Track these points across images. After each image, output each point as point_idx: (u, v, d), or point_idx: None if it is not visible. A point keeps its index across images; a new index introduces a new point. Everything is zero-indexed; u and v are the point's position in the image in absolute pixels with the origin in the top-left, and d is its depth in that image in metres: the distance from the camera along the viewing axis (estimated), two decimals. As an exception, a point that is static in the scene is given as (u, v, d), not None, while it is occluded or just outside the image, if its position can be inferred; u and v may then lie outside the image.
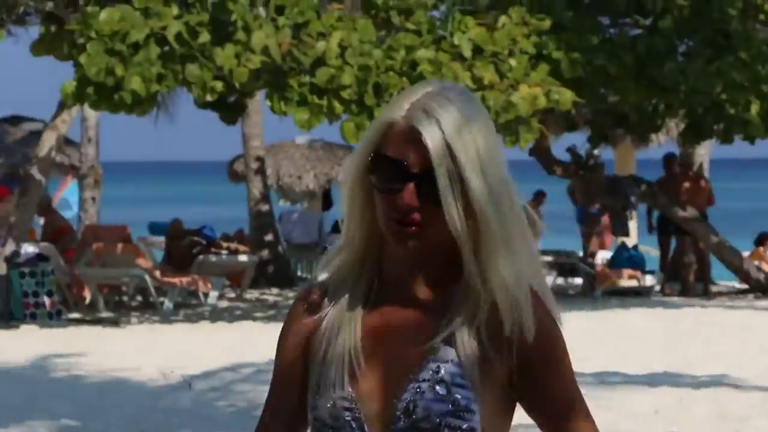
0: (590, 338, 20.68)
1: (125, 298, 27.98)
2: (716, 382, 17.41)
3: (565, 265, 32.30)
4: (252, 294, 29.32)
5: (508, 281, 3.04)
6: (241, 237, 32.83)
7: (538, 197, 34.49)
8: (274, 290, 30.18)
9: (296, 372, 3.29)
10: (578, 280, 32.06)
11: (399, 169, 3.03)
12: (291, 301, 22.94)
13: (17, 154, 37.72)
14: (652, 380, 16.44)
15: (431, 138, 2.99)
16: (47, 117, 29.17)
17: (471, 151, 3.04)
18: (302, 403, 3.29)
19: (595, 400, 15.18)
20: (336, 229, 29.69)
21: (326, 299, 3.26)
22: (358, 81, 23.37)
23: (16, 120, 40.24)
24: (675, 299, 28.96)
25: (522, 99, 24.10)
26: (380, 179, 3.06)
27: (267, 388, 13.53)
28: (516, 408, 3.25)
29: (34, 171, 27.31)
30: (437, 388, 3.00)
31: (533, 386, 3.13)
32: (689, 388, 16.19)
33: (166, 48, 23.34)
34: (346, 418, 3.12)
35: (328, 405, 3.13)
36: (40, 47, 25.27)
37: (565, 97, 24.48)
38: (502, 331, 3.03)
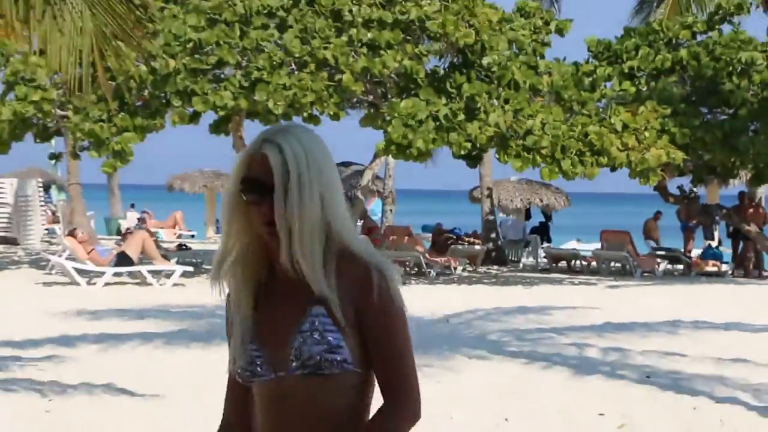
0: (687, 301, 19.83)
1: (408, 269, 27.36)
2: (768, 329, 17.09)
3: (672, 257, 30.74)
4: (482, 269, 28.83)
5: (347, 257, 2.90)
6: (476, 235, 32.04)
7: (657, 215, 33.09)
8: (494, 267, 29.69)
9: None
10: (680, 266, 30.48)
11: (260, 187, 2.88)
12: (506, 274, 21.73)
13: (347, 183, 37.99)
14: (726, 326, 15.87)
15: (273, 161, 2.87)
16: (366, 162, 29.05)
17: (304, 169, 2.89)
18: None
19: (691, 338, 14.95)
20: (534, 230, 28.37)
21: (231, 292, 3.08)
22: (551, 144, 22.69)
23: (347, 164, 40.38)
24: (740, 279, 27.81)
25: (651, 156, 23.29)
26: (250, 197, 2.90)
27: (490, 325, 12.59)
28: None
29: (358, 194, 27.33)
30: (314, 335, 2.87)
31: (365, 330, 2.92)
32: (750, 332, 15.55)
33: (438, 123, 22.82)
34: (257, 362, 2.96)
35: (245, 356, 2.98)
36: (365, 121, 24.94)
37: (678, 155, 23.63)
38: (344, 287, 2.88)
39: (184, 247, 30.09)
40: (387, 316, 2.91)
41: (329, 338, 2.86)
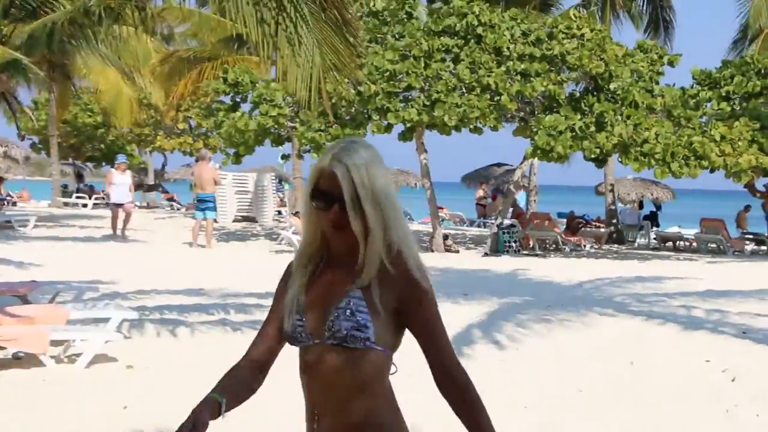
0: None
1: (547, 245, 26.20)
2: None
3: (759, 240, 28.63)
4: (605, 247, 27.55)
5: (387, 256, 2.74)
6: (600, 220, 31.00)
7: (747, 208, 30.98)
8: (615, 246, 28.44)
9: (276, 311, 2.95)
10: (764, 248, 28.34)
11: (328, 197, 2.74)
12: (624, 251, 20.65)
13: (500, 180, 37.29)
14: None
15: (341, 177, 2.71)
16: (516, 163, 27.83)
17: (366, 184, 2.73)
18: (274, 331, 2.96)
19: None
20: (645, 217, 26.80)
21: (292, 270, 2.93)
22: (663, 151, 21.11)
23: (499, 165, 39.58)
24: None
25: (743, 161, 21.50)
26: (318, 204, 2.77)
27: (614, 290, 11.75)
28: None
29: (511, 187, 26.55)
30: (347, 312, 2.74)
31: (407, 318, 2.80)
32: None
33: (574, 133, 21.64)
34: (299, 330, 2.82)
35: (291, 324, 2.84)
36: (517, 132, 23.52)
37: (765, 160, 21.70)
38: (388, 282, 2.74)
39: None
40: (430, 308, 2.81)
41: (359, 317, 2.73)
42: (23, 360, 9.03)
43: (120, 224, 23.86)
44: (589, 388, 8.58)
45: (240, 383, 2.94)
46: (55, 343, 9.03)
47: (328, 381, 2.79)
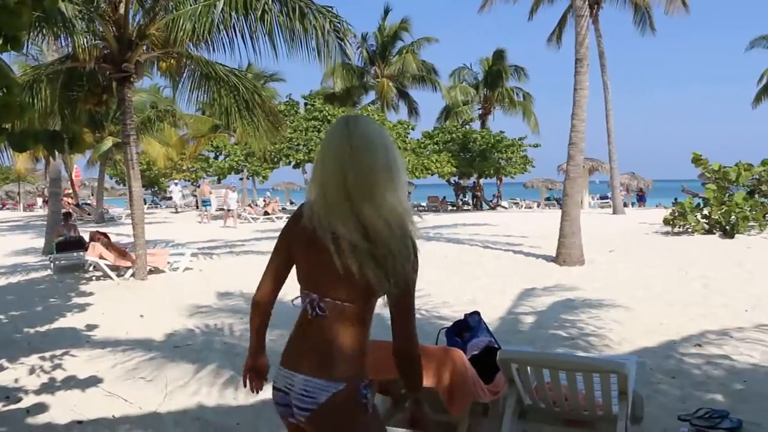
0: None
1: None
2: None
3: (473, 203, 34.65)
4: None
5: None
6: None
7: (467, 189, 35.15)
8: None
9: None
10: (471, 207, 34.07)
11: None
12: None
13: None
14: None
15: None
16: None
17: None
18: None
19: None
20: None
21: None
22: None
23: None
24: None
25: (446, 170, 30.52)
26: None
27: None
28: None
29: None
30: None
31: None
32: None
33: None
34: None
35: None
36: None
37: (454, 170, 32.32)
38: None
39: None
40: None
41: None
42: (155, 271, 11.59)
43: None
44: (453, 261, 11.80)
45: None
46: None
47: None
